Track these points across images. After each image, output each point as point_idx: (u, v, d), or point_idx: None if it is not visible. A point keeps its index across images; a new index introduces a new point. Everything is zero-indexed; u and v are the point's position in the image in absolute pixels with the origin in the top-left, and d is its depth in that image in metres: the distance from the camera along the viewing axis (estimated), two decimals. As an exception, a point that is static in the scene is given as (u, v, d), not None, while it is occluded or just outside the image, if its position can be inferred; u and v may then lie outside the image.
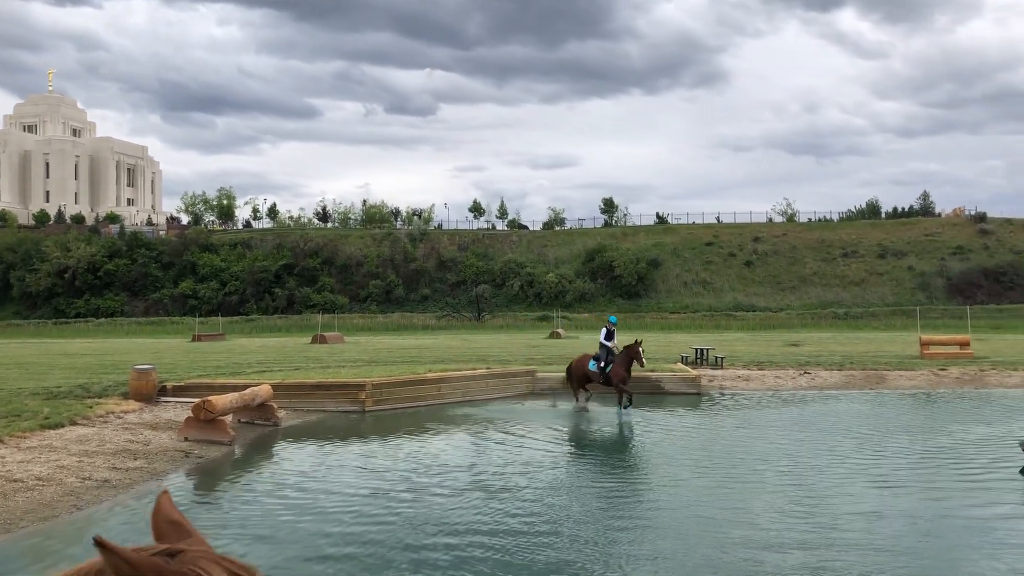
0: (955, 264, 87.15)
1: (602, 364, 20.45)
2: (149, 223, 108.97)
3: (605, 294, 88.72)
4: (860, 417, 19.22)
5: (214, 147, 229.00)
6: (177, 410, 18.00)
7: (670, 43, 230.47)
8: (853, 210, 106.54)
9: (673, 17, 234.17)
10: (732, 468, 13.46)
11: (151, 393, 19.38)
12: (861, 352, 33.21)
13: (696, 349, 30.35)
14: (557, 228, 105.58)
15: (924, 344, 31.03)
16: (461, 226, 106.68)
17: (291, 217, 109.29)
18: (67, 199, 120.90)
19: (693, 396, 23.10)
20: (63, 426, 15.28)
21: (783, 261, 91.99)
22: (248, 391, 17.60)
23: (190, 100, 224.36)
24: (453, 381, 23.07)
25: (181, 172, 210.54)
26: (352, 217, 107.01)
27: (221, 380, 21.60)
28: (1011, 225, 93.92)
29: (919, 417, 19.55)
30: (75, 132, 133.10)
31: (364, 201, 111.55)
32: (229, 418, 16.52)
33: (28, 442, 13.86)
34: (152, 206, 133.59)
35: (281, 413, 18.50)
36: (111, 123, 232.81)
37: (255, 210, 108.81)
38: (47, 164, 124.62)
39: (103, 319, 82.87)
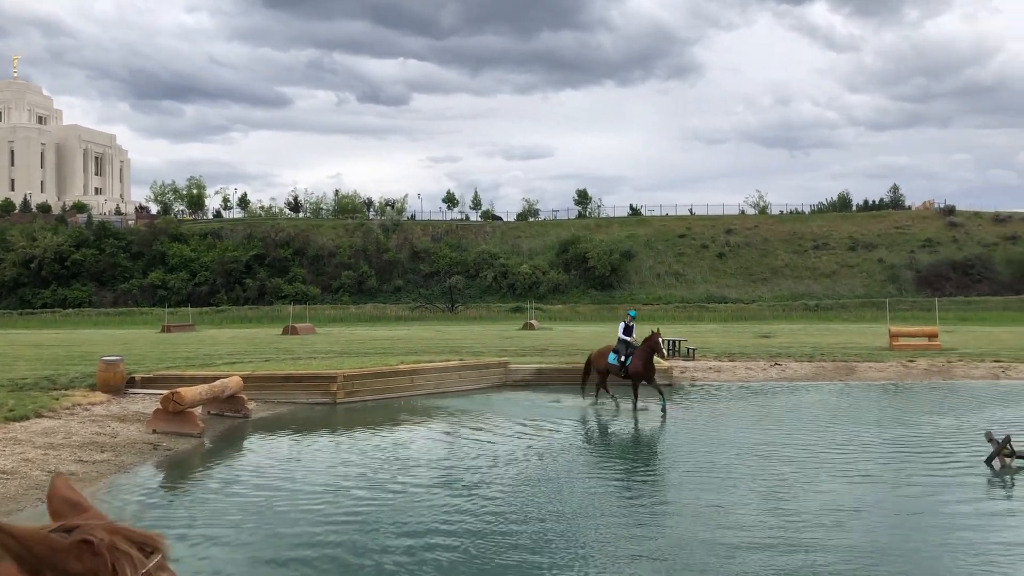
0: (924, 257, 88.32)
1: (622, 359, 19.59)
2: (118, 212, 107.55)
3: (579, 285, 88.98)
4: (830, 408, 19.40)
5: (184, 136, 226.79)
6: (146, 402, 17.77)
7: (643, 35, 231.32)
8: (825, 203, 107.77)
9: (646, 9, 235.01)
10: (701, 460, 13.52)
11: (119, 385, 19.11)
12: (831, 343, 33.53)
13: (668, 341, 30.45)
14: (531, 219, 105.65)
15: (893, 336, 31.39)
16: (434, 217, 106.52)
17: (262, 207, 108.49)
18: (33, 188, 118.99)
19: (665, 387, 23.17)
20: (28, 418, 15.01)
21: (755, 253, 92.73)
22: (218, 383, 17.42)
23: (159, 88, 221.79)
24: (426, 373, 22.98)
25: (150, 161, 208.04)
26: (324, 207, 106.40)
27: (191, 372, 21.37)
28: (979, 218, 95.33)
29: (888, 408, 19.76)
30: (41, 119, 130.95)
31: (336, 191, 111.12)
32: (199, 410, 16.34)
33: (-8, 435, 13.60)
34: (121, 195, 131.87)
35: (251, 405, 18.32)
36: (78, 111, 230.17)
37: (226, 200, 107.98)
38: (12, 152, 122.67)
39: (70, 309, 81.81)
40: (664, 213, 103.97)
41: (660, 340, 18.99)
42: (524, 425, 17.03)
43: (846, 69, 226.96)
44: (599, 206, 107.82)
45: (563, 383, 23.76)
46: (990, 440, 12.64)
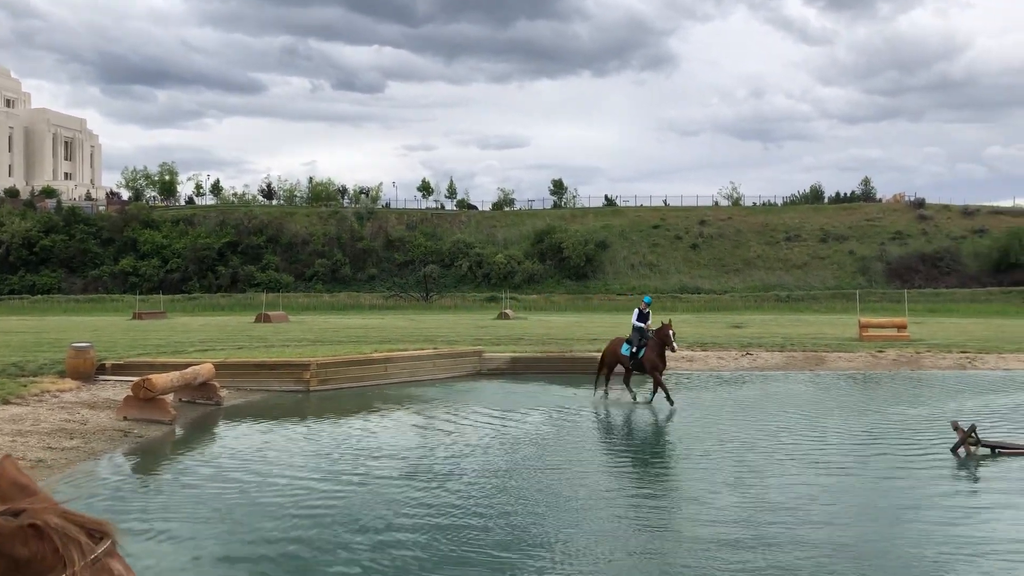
0: (894, 249, 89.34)
1: (635, 349, 18.75)
2: (88, 198, 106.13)
3: (554, 275, 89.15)
4: (799, 398, 19.61)
5: (156, 121, 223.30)
6: (116, 389, 17.61)
7: (619, 25, 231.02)
8: (797, 195, 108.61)
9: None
10: (672, 450, 13.63)
11: (89, 371, 18.92)
12: (802, 334, 33.87)
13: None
14: (507, 209, 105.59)
15: (863, 327, 31.77)
16: (409, 205, 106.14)
17: (235, 194, 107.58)
18: (0, 172, 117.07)
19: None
20: (-5, 405, 14.83)
21: (728, 244, 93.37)
22: (190, 370, 17.29)
23: (131, 73, 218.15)
24: (399, 361, 22.95)
25: (122, 146, 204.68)
26: (298, 195, 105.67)
27: (162, 359, 21.20)
28: (949, 211, 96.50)
29: (857, 398, 20.01)
30: (8, 103, 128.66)
31: (310, 178, 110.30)
32: (170, 397, 16.22)
33: (-42, 422, 13.43)
34: (91, 181, 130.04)
35: (223, 392, 18.21)
36: (47, 94, 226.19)
37: (198, 186, 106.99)
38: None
39: (39, 296, 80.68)
40: (639, 204, 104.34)
41: (671, 332, 18.18)
42: (497, 412, 17.06)
43: (819, 62, 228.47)
44: (574, 196, 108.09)
45: (537, 372, 23.85)
46: (956, 429, 12.86)
